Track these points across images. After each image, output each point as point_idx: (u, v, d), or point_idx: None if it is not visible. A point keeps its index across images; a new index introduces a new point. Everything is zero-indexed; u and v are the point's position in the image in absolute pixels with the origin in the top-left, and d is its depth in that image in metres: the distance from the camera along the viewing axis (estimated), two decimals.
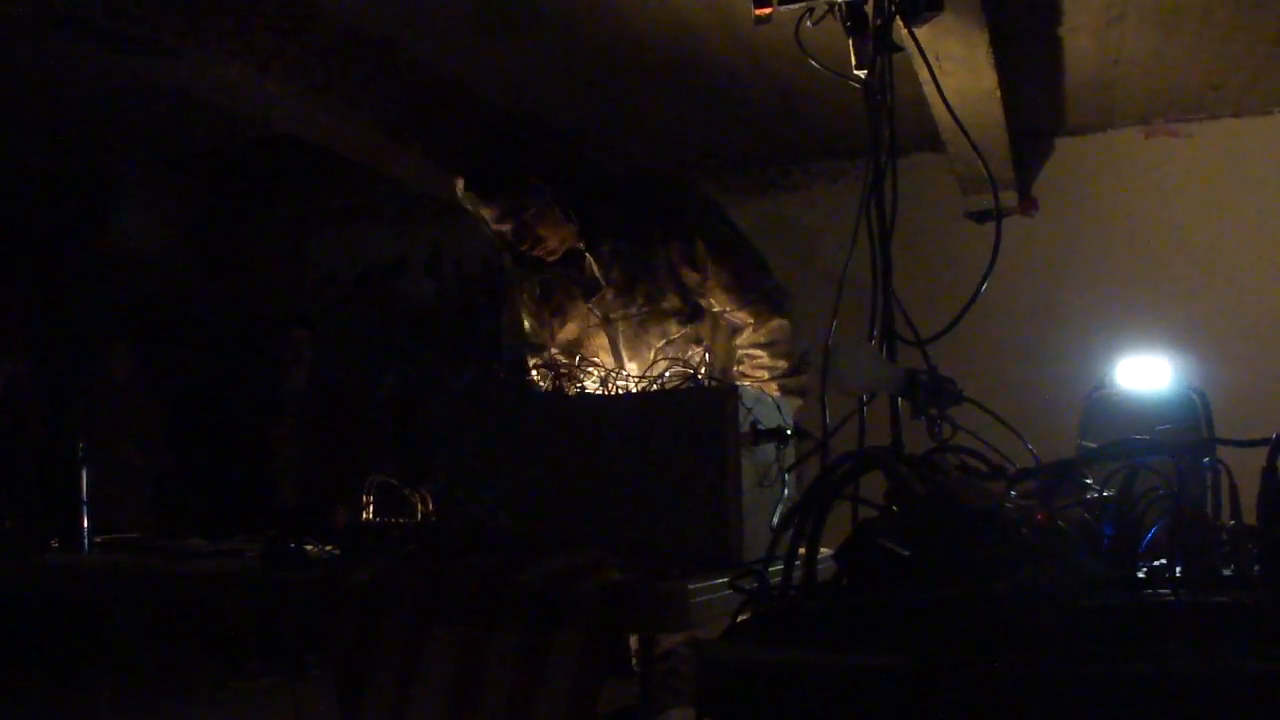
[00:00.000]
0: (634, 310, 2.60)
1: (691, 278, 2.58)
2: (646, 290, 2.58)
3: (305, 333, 5.80)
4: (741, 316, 2.61)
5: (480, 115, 5.17)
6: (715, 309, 2.61)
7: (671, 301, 2.59)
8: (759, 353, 2.58)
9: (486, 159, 2.49)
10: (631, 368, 2.54)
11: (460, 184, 2.48)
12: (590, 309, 2.62)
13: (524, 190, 2.44)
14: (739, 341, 2.62)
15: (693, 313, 2.60)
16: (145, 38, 3.58)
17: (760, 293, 2.60)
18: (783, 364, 2.56)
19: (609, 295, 2.60)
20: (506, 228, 2.51)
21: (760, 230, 2.73)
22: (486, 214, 2.50)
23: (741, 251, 2.62)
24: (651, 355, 2.57)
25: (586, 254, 2.56)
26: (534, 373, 2.51)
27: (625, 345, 2.60)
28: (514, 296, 2.76)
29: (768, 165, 6.06)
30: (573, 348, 2.67)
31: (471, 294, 6.34)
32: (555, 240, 2.54)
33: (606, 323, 2.62)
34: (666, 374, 2.03)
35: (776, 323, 2.61)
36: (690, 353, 2.54)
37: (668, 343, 2.58)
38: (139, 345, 5.81)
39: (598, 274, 2.58)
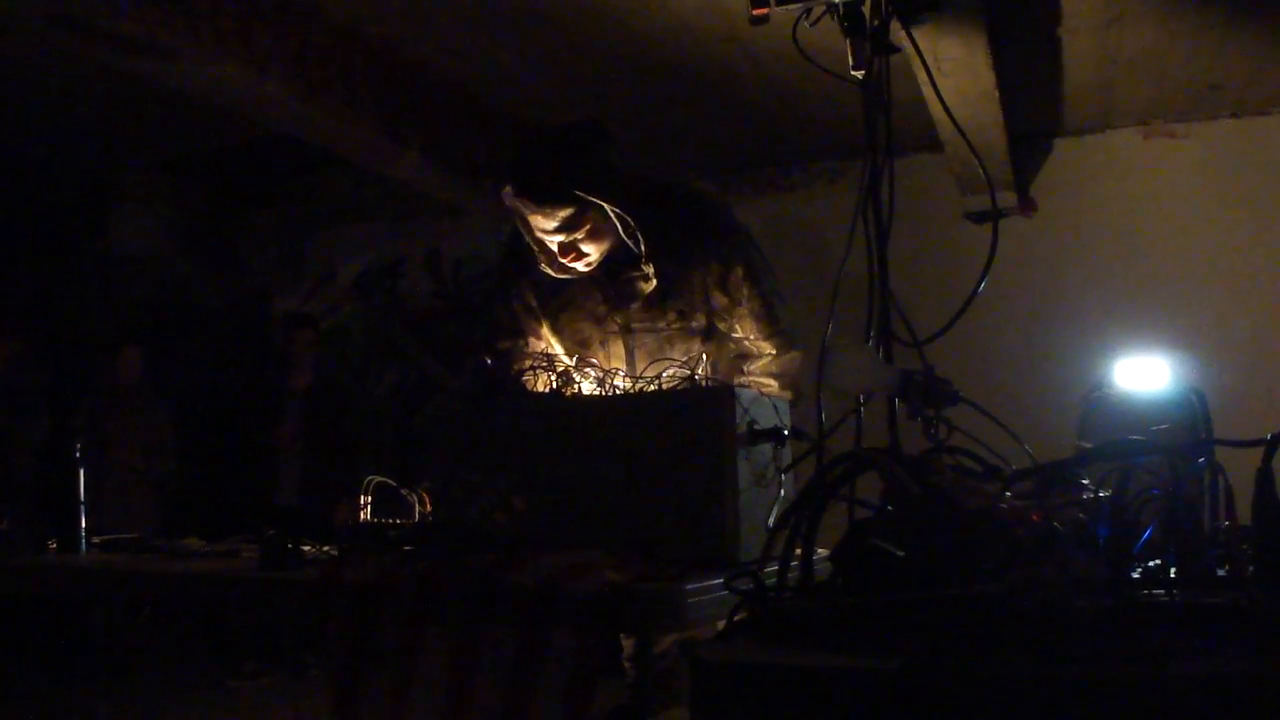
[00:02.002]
0: (662, 325, 2.57)
1: (721, 301, 2.56)
2: (678, 308, 2.56)
3: (309, 333, 5.80)
4: (764, 347, 2.60)
5: (498, 130, 5.18)
6: (737, 334, 2.60)
7: (699, 321, 2.58)
8: (770, 381, 2.57)
9: (549, 168, 2.38)
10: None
11: (509, 189, 2.39)
12: (613, 316, 2.60)
13: (585, 208, 2.37)
14: (753, 368, 2.61)
15: (710, 332, 2.60)
16: (144, 38, 3.58)
17: (783, 324, 2.61)
18: (789, 395, 2.54)
19: (635, 306, 2.59)
20: (556, 240, 2.44)
21: (759, 231, 2.72)
22: (536, 222, 2.42)
23: (771, 282, 2.62)
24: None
25: (640, 270, 2.50)
26: (521, 364, 2.48)
27: (645, 358, 2.56)
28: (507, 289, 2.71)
29: (767, 166, 6.06)
30: (580, 349, 2.64)
31: (470, 293, 6.35)
32: (598, 254, 2.48)
33: (627, 331, 2.61)
34: (664, 374, 2.03)
35: (792, 355, 2.61)
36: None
37: (686, 360, 2.57)
38: (146, 348, 5.81)
39: (641, 290, 2.54)
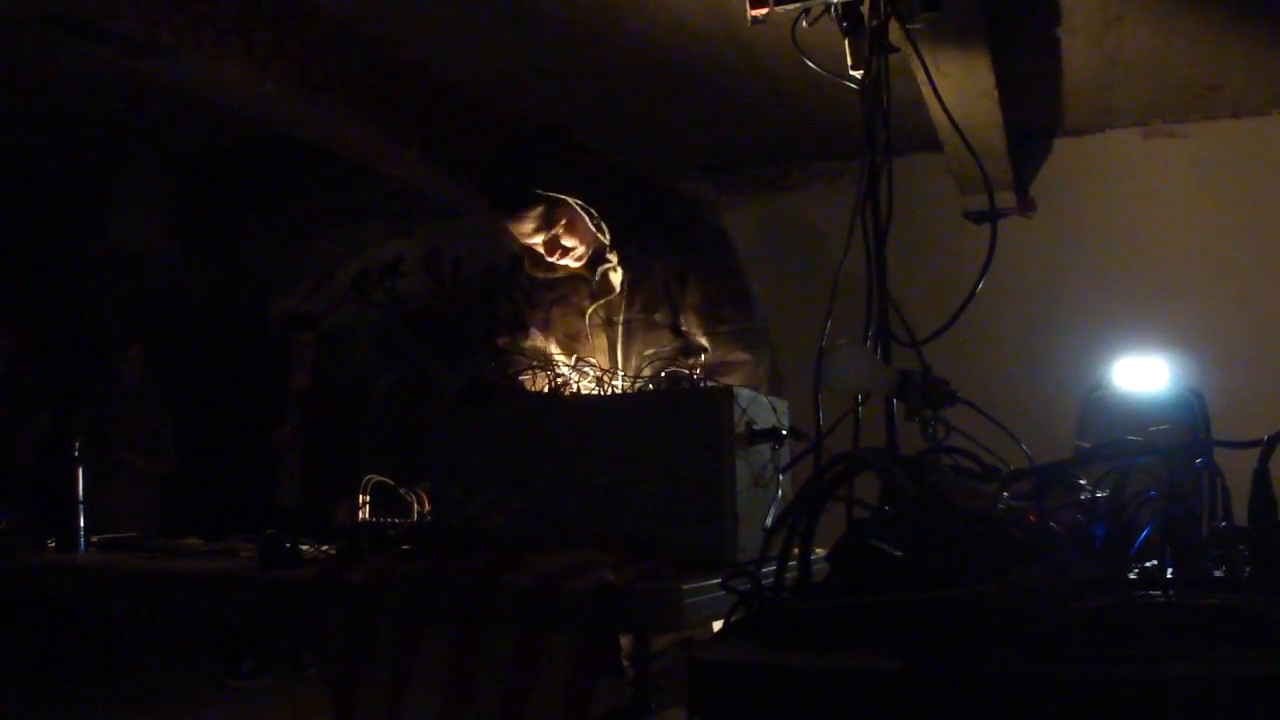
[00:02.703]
0: (630, 315, 2.61)
1: (678, 293, 2.59)
2: (643, 299, 2.59)
3: (309, 333, 5.80)
4: (702, 343, 2.60)
5: (497, 130, 5.18)
6: (683, 327, 2.61)
7: (664, 314, 2.59)
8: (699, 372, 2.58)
9: (512, 176, 2.50)
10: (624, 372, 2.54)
11: (486, 203, 2.51)
12: (597, 309, 2.64)
13: (553, 205, 2.48)
14: (691, 360, 2.60)
15: (678, 326, 2.61)
16: (144, 37, 3.58)
17: (730, 328, 2.58)
18: None
19: (614, 297, 2.62)
20: (538, 241, 2.54)
21: (758, 231, 2.73)
22: (516, 229, 2.53)
23: (729, 285, 2.60)
24: (639, 363, 2.57)
25: (607, 260, 2.57)
26: (521, 359, 2.52)
27: (621, 348, 2.61)
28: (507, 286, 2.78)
29: (766, 165, 6.06)
30: (571, 342, 2.68)
31: (469, 293, 6.35)
32: (583, 247, 2.57)
33: (609, 324, 2.63)
34: (662, 374, 2.04)
35: (739, 357, 2.58)
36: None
37: (657, 354, 2.58)
38: (146, 347, 5.80)
39: (614, 281, 2.60)
